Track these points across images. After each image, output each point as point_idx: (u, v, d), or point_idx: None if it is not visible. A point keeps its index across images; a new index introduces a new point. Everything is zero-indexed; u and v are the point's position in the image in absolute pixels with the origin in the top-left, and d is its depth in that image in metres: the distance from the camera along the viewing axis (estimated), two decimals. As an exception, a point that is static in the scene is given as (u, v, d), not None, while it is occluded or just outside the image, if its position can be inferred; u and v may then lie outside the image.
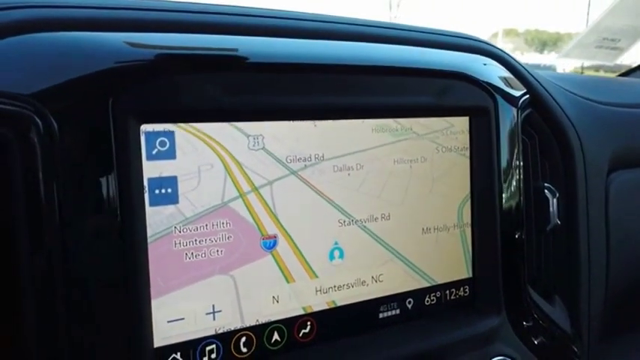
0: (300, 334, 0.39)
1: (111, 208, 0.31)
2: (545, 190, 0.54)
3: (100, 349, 0.31)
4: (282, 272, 0.38)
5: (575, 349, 0.56)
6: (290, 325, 0.39)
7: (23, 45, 0.31)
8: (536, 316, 0.51)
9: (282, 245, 0.38)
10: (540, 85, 0.55)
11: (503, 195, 0.48)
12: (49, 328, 0.30)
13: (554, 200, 0.53)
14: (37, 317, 0.30)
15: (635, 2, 1.18)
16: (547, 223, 0.53)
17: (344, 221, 0.41)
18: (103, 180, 0.31)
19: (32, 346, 0.30)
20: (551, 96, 0.56)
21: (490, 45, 0.52)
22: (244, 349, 0.37)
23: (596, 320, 0.62)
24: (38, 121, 0.30)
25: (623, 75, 1.21)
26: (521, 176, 0.50)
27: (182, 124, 0.34)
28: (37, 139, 0.30)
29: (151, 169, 0.33)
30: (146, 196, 0.33)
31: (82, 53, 0.31)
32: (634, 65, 1.28)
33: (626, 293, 0.69)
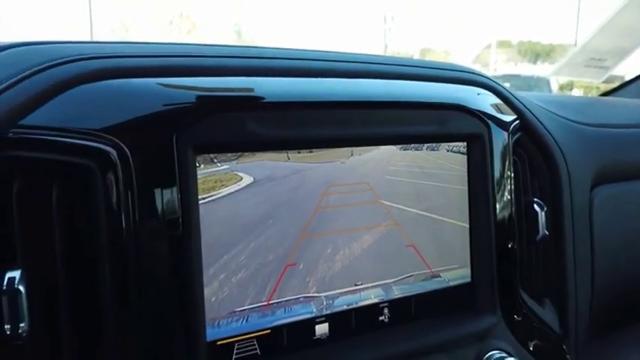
0: (318, 333, 0.46)
1: (174, 221, 0.38)
2: (535, 205, 0.60)
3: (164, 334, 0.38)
4: (305, 287, 0.45)
5: (564, 347, 0.63)
6: (309, 324, 0.45)
7: (102, 90, 0.38)
8: (528, 316, 0.58)
9: (302, 268, 0.45)
10: (529, 110, 0.62)
11: (497, 209, 0.54)
12: (125, 319, 0.37)
13: (543, 213, 0.60)
14: (116, 309, 0.37)
15: (618, 26, 1.26)
16: (536, 233, 0.60)
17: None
18: (169, 199, 0.38)
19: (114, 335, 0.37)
20: (539, 120, 0.63)
21: (483, 76, 0.59)
22: (272, 347, 0.44)
23: (583, 321, 0.69)
24: (115, 153, 0.37)
25: (605, 94, 1.29)
26: (513, 192, 0.56)
27: (228, 154, 0.41)
28: (115, 167, 0.37)
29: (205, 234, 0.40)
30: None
31: (150, 97, 0.38)
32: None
33: (611, 297, 0.76)
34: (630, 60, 1.35)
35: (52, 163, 0.36)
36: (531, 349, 0.56)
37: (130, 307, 0.37)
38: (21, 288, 0.35)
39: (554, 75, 1.46)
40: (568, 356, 0.62)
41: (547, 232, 0.61)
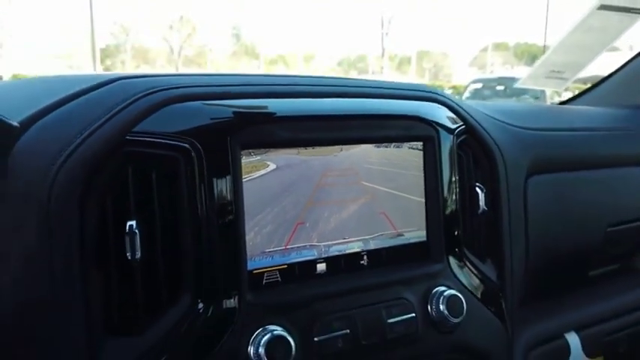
0: (319, 270, 0.68)
1: (228, 192, 0.60)
2: (476, 188, 0.82)
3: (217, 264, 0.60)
4: (309, 240, 0.67)
5: (500, 294, 0.84)
6: (313, 264, 0.67)
7: (183, 109, 0.60)
8: (470, 268, 0.80)
9: (309, 225, 0.67)
10: (473, 118, 0.84)
11: (445, 190, 0.77)
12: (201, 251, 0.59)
13: (482, 194, 0.82)
14: (194, 249, 0.59)
15: (572, 44, 1.48)
16: (477, 209, 0.82)
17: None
18: (225, 178, 0.60)
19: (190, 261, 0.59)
20: (480, 125, 0.85)
21: (438, 94, 0.81)
22: (290, 277, 0.66)
23: (518, 280, 0.90)
24: (192, 149, 0.59)
25: (565, 102, 1.52)
26: (458, 178, 0.78)
27: (260, 149, 0.63)
28: (192, 158, 0.59)
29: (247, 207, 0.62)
30: None
31: (212, 113, 0.61)
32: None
33: (544, 265, 0.97)
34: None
35: (153, 155, 0.59)
36: (471, 290, 0.78)
37: (202, 247, 0.59)
38: (136, 231, 0.57)
39: (520, 85, 1.67)
40: (502, 301, 0.84)
41: (486, 208, 0.83)
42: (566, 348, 1.01)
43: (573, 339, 1.02)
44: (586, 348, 1.03)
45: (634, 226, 1.10)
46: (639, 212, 1.10)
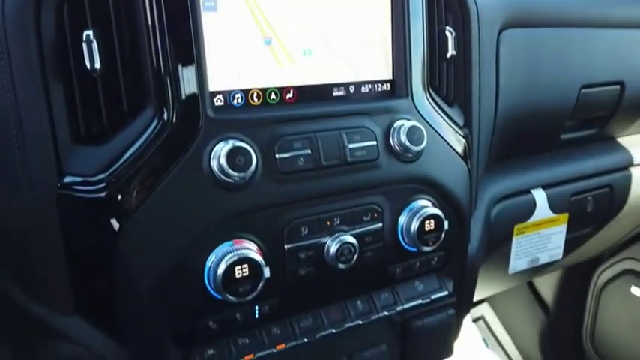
0: (287, 97, 0.69)
1: (187, 24, 0.60)
2: (446, 31, 0.82)
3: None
4: (276, 59, 0.68)
5: (465, 139, 0.85)
6: (280, 90, 0.69)
7: None
8: (437, 109, 0.81)
9: (275, 44, 0.67)
10: None
11: (413, 30, 0.76)
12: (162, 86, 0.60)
13: (452, 37, 0.82)
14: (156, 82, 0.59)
15: None
16: (447, 52, 0.82)
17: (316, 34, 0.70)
18: (184, 13, 0.59)
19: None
20: None
21: None
22: (255, 100, 0.67)
23: (486, 135, 0.92)
24: None
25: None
26: (426, 19, 0.78)
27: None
28: None
29: (205, 17, 0.62)
30: None
31: None
32: None
33: (514, 124, 0.98)
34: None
35: None
36: (435, 127, 0.79)
37: (160, 60, 0.59)
38: (93, 40, 0.57)
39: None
40: (467, 146, 0.86)
41: (455, 53, 0.83)
42: (532, 203, 1.05)
43: (540, 194, 1.06)
44: (552, 204, 1.08)
45: (608, 89, 1.10)
46: (614, 75, 1.10)
